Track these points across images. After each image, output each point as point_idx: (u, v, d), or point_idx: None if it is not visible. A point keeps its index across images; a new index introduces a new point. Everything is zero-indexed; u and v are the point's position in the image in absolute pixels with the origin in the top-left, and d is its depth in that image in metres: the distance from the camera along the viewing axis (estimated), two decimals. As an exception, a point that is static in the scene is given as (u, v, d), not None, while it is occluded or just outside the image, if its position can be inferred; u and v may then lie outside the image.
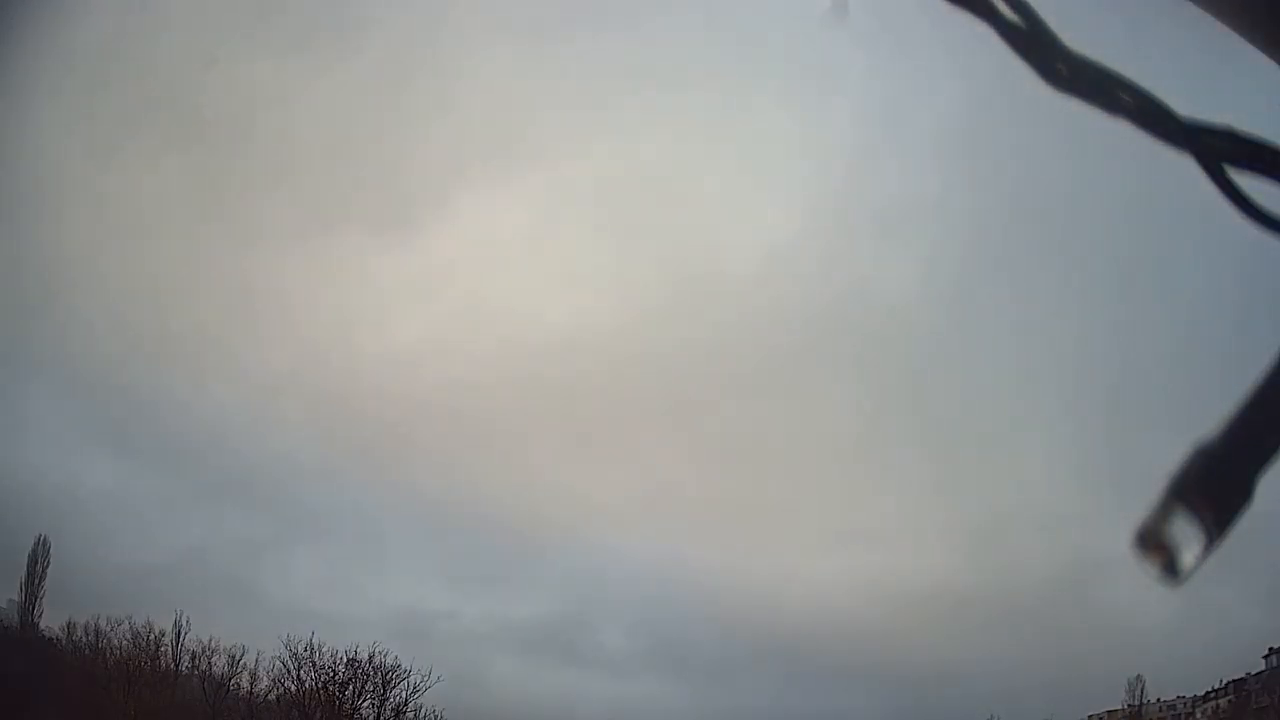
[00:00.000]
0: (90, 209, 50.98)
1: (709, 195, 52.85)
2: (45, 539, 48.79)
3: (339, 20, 51.40)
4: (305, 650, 48.75)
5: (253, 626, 49.79)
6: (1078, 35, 1.89)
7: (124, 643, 48.42)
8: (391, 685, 49.41)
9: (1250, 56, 2.07)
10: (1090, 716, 49.03)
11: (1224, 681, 47.57)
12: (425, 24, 51.15)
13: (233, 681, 49.83)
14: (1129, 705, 48.43)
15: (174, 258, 53.47)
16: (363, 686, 49.51)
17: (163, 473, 56.11)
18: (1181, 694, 48.67)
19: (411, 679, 48.97)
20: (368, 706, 49.79)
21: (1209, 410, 1.83)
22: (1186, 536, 1.77)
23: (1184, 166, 1.91)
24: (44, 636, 49.58)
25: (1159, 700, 48.76)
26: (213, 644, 49.00)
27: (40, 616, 49.39)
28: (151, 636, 48.62)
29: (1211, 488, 1.78)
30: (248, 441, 53.56)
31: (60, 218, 49.39)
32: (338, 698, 49.28)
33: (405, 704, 49.45)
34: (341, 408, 54.84)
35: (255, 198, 52.86)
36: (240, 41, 49.33)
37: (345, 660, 49.01)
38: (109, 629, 48.55)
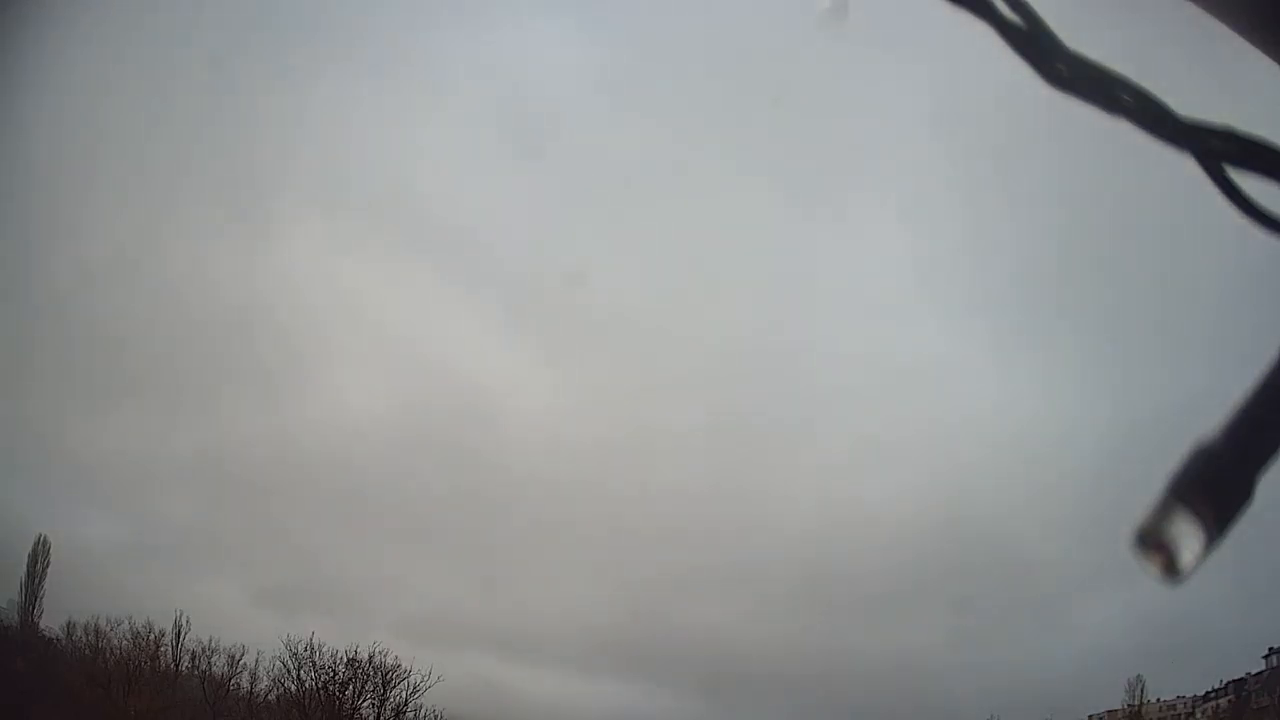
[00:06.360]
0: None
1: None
2: (45, 539, 48.80)
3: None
4: (305, 650, 48.80)
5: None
6: (1078, 35, 1.89)
7: (124, 643, 48.46)
8: (391, 685, 49.42)
9: (1250, 56, 2.07)
10: (1090, 716, 49.02)
11: (1224, 681, 47.58)
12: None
13: (233, 681, 49.86)
14: (1129, 705, 48.41)
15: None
16: (363, 686, 49.51)
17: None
18: (1181, 694, 48.68)
19: (411, 679, 49.02)
20: (368, 706, 49.80)
21: (1211, 414, 1.83)
22: (1186, 536, 1.76)
23: (1184, 166, 1.91)
24: (44, 636, 49.55)
25: (1159, 700, 48.74)
26: (213, 644, 49.06)
27: (40, 616, 49.41)
28: (151, 636, 48.65)
29: (1211, 488, 1.78)
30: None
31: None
32: (338, 698, 49.24)
33: (405, 704, 49.48)
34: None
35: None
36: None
37: (345, 660, 49.05)
38: (109, 629, 48.60)
